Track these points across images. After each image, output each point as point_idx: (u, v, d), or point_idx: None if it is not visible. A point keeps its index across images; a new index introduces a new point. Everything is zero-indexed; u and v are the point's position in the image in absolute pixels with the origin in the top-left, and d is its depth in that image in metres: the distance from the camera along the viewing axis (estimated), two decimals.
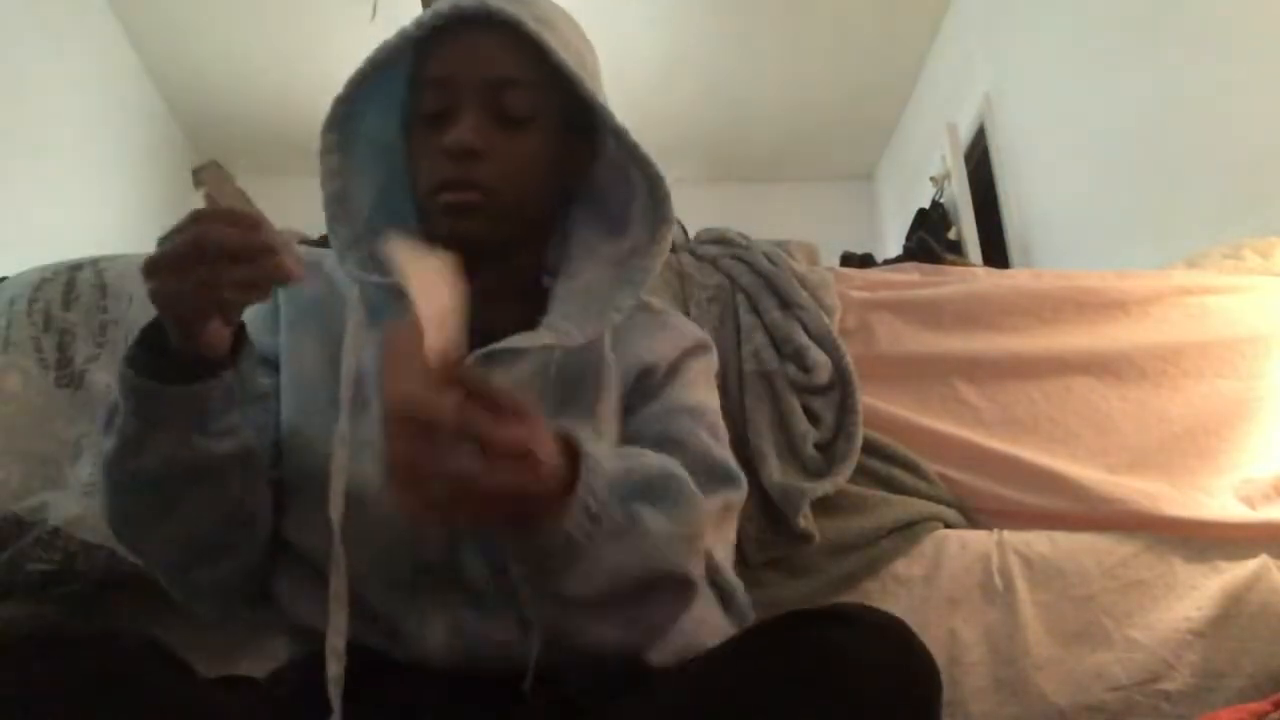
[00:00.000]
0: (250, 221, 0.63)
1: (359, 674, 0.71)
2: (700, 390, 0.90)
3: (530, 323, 0.84)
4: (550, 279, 0.92)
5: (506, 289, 0.87)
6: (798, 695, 0.60)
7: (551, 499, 0.61)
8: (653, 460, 0.74)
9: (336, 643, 0.71)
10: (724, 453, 0.86)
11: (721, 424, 0.90)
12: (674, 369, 0.89)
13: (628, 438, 0.85)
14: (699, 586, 0.72)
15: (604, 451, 0.68)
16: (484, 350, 0.79)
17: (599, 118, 0.88)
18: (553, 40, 0.84)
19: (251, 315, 0.87)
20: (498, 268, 0.86)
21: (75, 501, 1.12)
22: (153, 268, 0.63)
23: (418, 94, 0.87)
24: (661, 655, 0.74)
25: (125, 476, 0.72)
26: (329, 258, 0.92)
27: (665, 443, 0.82)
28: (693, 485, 0.74)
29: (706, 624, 0.77)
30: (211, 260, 0.62)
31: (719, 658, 0.67)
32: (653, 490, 0.70)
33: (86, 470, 1.16)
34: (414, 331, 0.55)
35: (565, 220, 0.94)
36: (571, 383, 0.84)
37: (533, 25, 0.83)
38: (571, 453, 0.63)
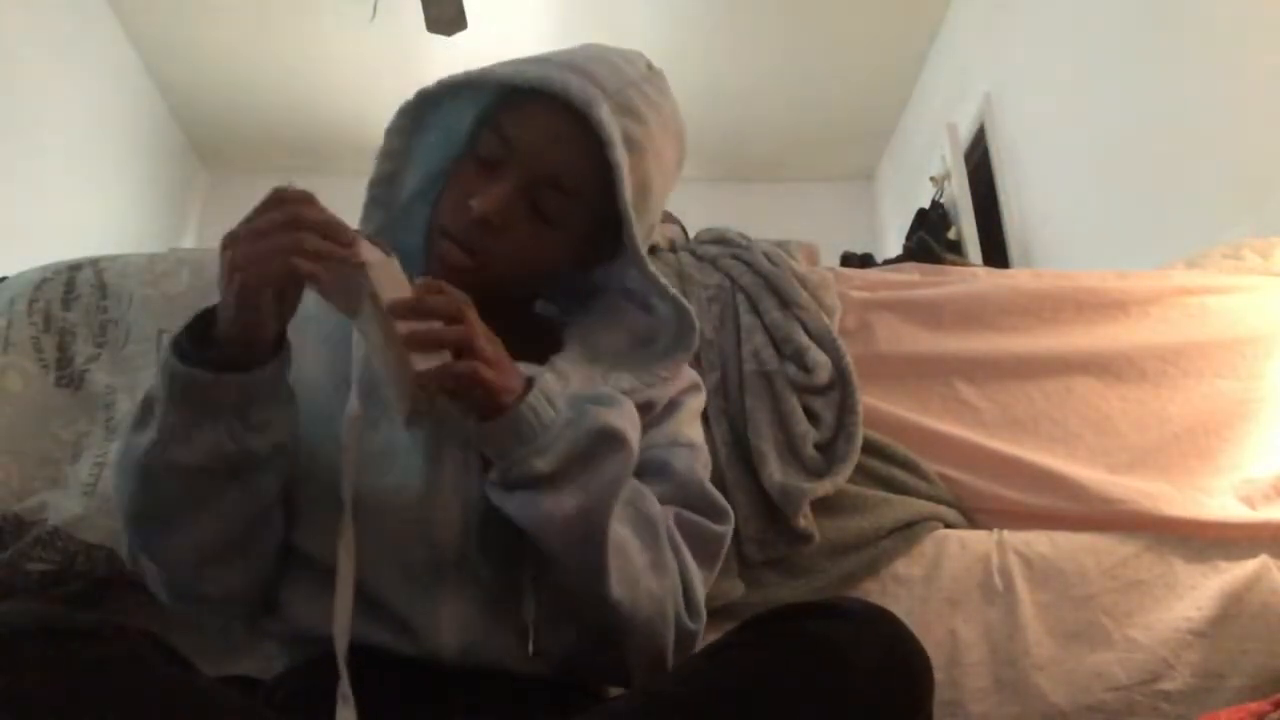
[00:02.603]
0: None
1: (365, 671, 0.72)
2: (695, 428, 0.94)
3: (530, 355, 0.85)
4: (550, 308, 0.96)
5: (501, 313, 0.86)
6: (791, 688, 0.61)
7: (518, 386, 0.73)
8: (600, 388, 0.81)
9: (344, 594, 0.74)
10: (717, 492, 0.89)
11: (709, 461, 0.93)
12: (673, 404, 0.92)
13: None
14: (633, 445, 0.76)
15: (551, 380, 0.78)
16: None
17: (635, 260, 0.88)
18: (627, 174, 0.82)
19: None
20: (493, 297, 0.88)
21: (75, 501, 1.12)
22: (237, 235, 0.68)
23: (484, 130, 0.87)
24: (617, 527, 0.75)
25: (162, 470, 0.72)
26: None
27: (666, 470, 0.86)
28: (630, 405, 0.79)
29: (634, 549, 0.78)
30: (295, 228, 0.67)
31: (712, 651, 0.69)
32: (599, 398, 0.77)
33: (86, 470, 1.16)
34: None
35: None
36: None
37: (617, 153, 0.82)
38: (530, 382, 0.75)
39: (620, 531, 0.76)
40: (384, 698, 0.73)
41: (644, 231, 0.87)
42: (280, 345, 0.73)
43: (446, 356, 0.69)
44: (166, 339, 0.75)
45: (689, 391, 0.95)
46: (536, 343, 0.89)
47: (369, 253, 0.69)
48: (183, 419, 0.71)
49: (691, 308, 0.92)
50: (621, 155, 0.82)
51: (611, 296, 0.95)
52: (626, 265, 0.92)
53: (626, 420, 0.76)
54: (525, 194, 0.83)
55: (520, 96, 0.85)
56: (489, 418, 0.72)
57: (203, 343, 0.71)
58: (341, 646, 0.71)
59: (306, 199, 0.69)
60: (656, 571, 0.77)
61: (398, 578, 0.78)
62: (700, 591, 0.83)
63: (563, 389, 0.82)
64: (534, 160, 0.84)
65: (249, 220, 0.68)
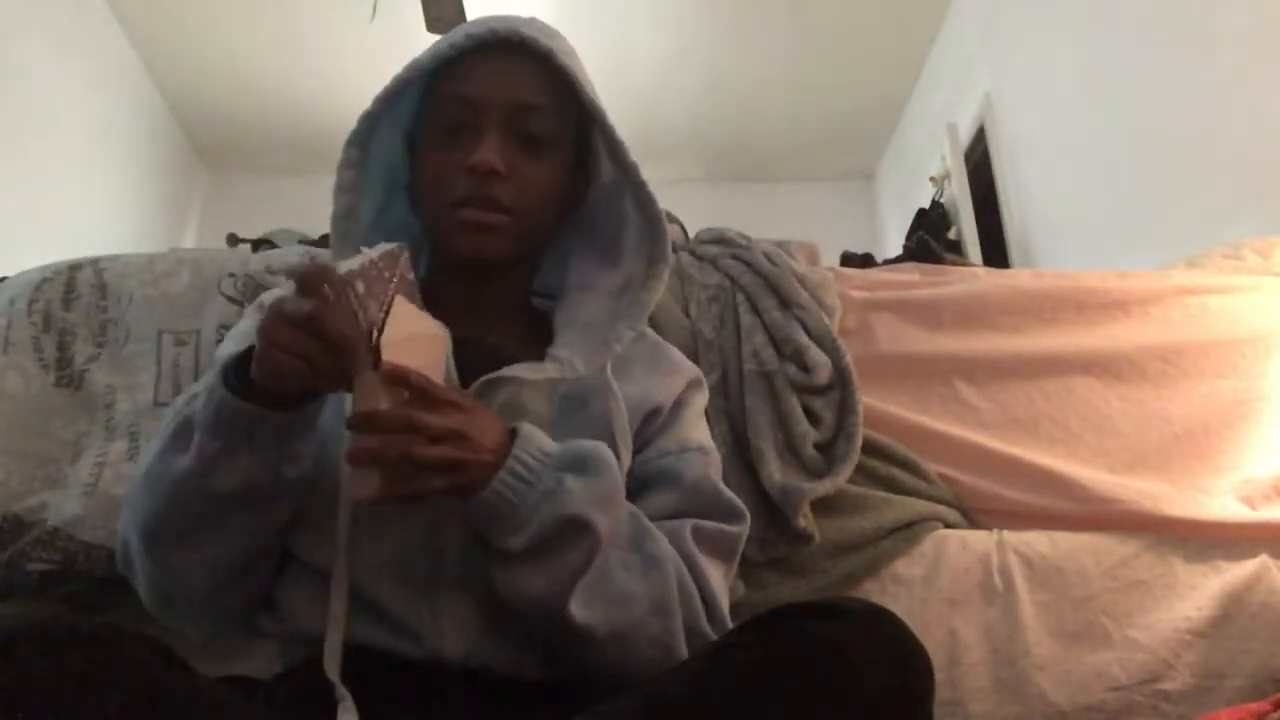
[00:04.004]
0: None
1: (366, 673, 0.73)
2: (702, 428, 0.96)
3: (534, 346, 0.90)
4: (546, 302, 0.99)
5: (506, 305, 0.93)
6: (791, 688, 0.61)
7: (490, 470, 0.73)
8: (582, 442, 0.80)
9: (340, 601, 0.76)
10: (730, 492, 0.91)
11: (719, 461, 0.95)
12: (678, 405, 0.94)
13: (639, 470, 0.89)
14: (604, 540, 0.76)
15: (541, 435, 0.78)
16: (488, 377, 0.84)
17: (612, 148, 0.94)
18: (579, 74, 0.90)
19: (245, 333, 0.92)
20: (496, 285, 0.93)
21: (75, 501, 1.12)
22: (277, 307, 0.71)
23: (438, 107, 0.91)
24: (591, 612, 0.76)
25: (195, 495, 0.75)
26: None
27: (680, 480, 0.88)
28: (612, 459, 0.80)
29: (633, 594, 0.78)
30: (310, 334, 0.69)
31: (713, 651, 0.69)
32: (581, 463, 0.77)
33: (86, 470, 1.16)
34: (376, 352, 0.70)
35: (557, 244, 1.01)
36: (579, 409, 0.88)
37: (562, 59, 0.89)
38: (513, 435, 0.76)
39: (624, 581, 0.77)
40: (385, 698, 0.73)
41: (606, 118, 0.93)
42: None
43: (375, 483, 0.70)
44: (207, 369, 0.79)
45: (692, 389, 0.97)
46: (535, 331, 0.94)
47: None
48: (224, 448, 0.74)
49: (661, 211, 0.95)
50: (566, 59, 0.89)
51: (580, 262, 0.99)
52: (597, 174, 0.99)
53: (600, 492, 0.77)
54: (510, 132, 0.88)
55: (468, 62, 0.89)
56: (465, 496, 0.74)
57: (245, 374, 0.74)
58: (333, 670, 0.73)
59: (332, 295, 0.69)
60: (661, 613, 0.78)
61: (401, 585, 0.79)
62: (723, 601, 0.84)
63: (558, 385, 0.87)
64: (499, 99, 0.88)
65: (284, 301, 0.70)
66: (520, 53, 0.89)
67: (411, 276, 0.77)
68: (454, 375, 0.83)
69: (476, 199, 0.87)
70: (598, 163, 0.99)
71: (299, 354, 0.69)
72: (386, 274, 0.73)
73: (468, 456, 0.72)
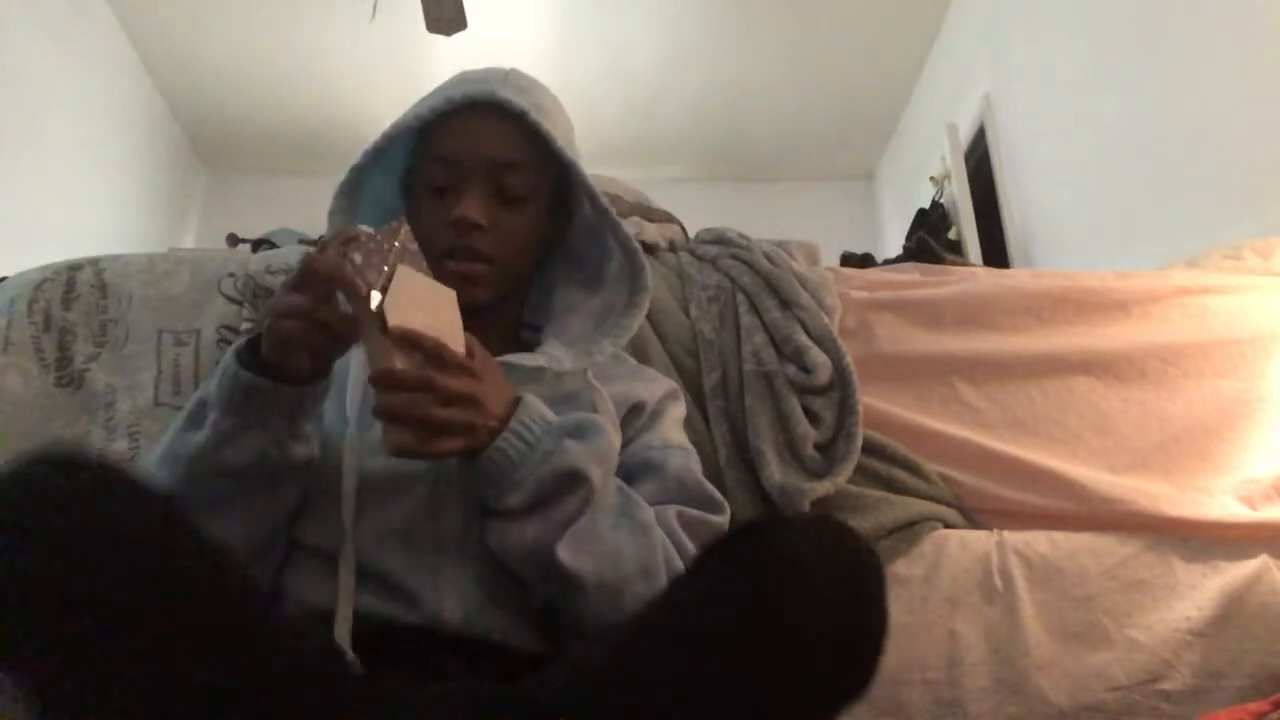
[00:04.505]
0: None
1: (375, 639, 0.78)
2: (682, 435, 1.02)
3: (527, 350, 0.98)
4: (533, 333, 1.06)
5: (496, 335, 0.98)
6: (739, 597, 0.63)
7: (495, 432, 0.79)
8: (579, 414, 0.87)
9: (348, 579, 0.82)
10: (712, 486, 0.97)
11: (699, 463, 1.00)
12: (660, 407, 1.01)
13: (625, 462, 0.94)
14: (597, 490, 0.81)
15: (542, 404, 0.84)
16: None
17: (586, 192, 1.02)
18: (551, 129, 0.97)
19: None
20: (486, 317, 0.98)
21: None
22: (287, 285, 0.79)
23: (425, 167, 0.99)
24: (579, 560, 0.80)
25: (209, 469, 0.81)
26: None
27: (664, 471, 0.93)
28: (608, 427, 0.86)
29: (622, 552, 0.82)
30: (313, 299, 0.77)
31: (684, 579, 0.72)
32: (579, 429, 0.84)
33: None
34: (380, 316, 0.74)
35: (543, 275, 1.09)
36: (567, 403, 0.93)
37: (535, 116, 0.96)
38: (518, 401, 0.82)
39: (613, 538, 0.82)
40: (394, 661, 0.78)
41: (581, 171, 1.01)
42: (325, 369, 0.83)
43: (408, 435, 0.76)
44: (223, 352, 0.85)
45: (669, 399, 1.03)
46: (527, 347, 1.01)
47: (371, 298, 0.75)
48: (237, 423, 0.80)
49: (631, 236, 1.04)
50: (539, 116, 0.97)
51: (564, 289, 1.07)
52: (578, 210, 1.07)
53: (597, 451, 0.83)
54: (490, 188, 0.97)
55: (448, 124, 0.98)
56: (468, 456, 0.80)
57: (257, 353, 0.80)
58: (344, 637, 0.79)
59: (338, 261, 0.76)
60: (645, 575, 0.81)
61: (402, 551, 0.84)
62: None
63: (555, 380, 0.95)
64: (479, 158, 0.97)
65: (289, 283, 0.79)
66: (496, 113, 0.97)
67: (415, 247, 0.80)
68: (470, 336, 0.87)
69: (460, 250, 0.95)
70: (579, 197, 1.06)
71: (297, 311, 0.76)
72: (385, 246, 0.77)
73: (478, 421, 0.78)
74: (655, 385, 1.03)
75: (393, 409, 0.75)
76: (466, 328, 0.82)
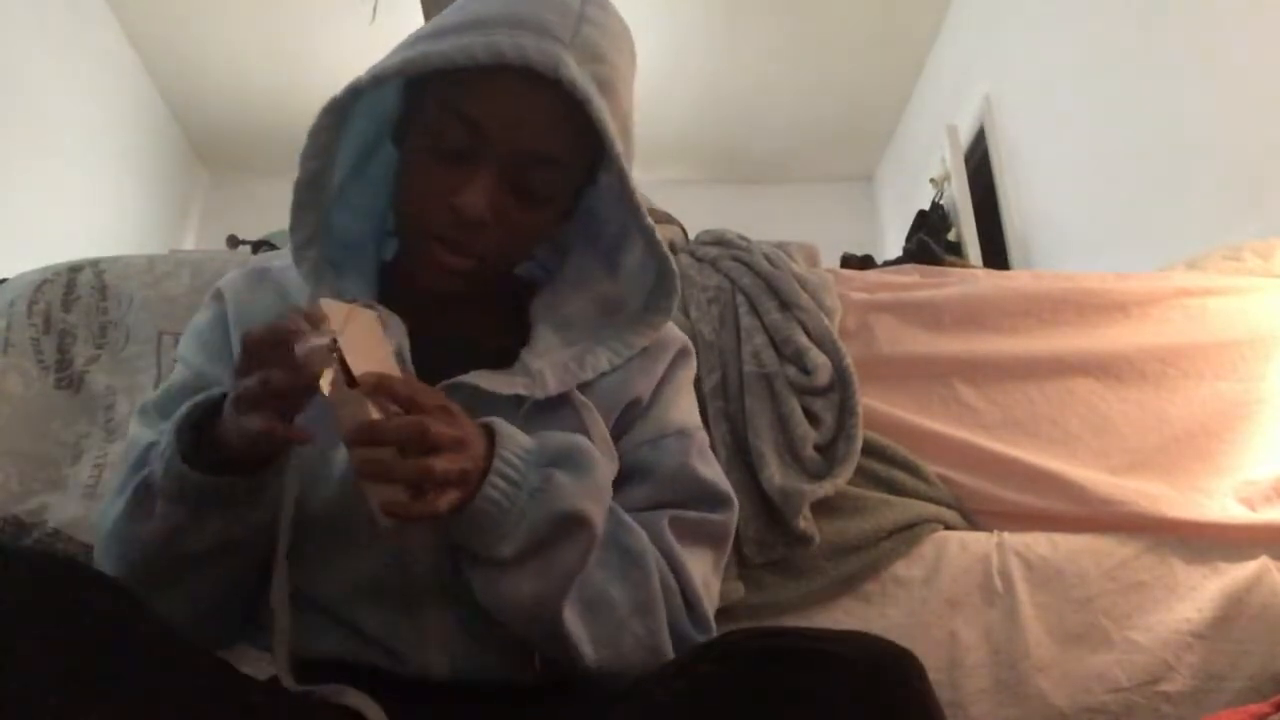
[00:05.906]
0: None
1: (359, 687, 0.71)
2: (683, 408, 0.90)
3: (505, 335, 0.84)
4: (532, 270, 0.93)
5: (486, 290, 0.86)
6: None
7: (484, 475, 0.68)
8: (560, 436, 0.75)
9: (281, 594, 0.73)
10: (714, 474, 0.86)
11: (706, 439, 0.89)
12: (659, 389, 0.88)
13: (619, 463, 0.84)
14: (599, 532, 0.73)
15: (517, 431, 0.73)
16: (448, 383, 0.78)
17: (625, 192, 0.83)
18: (611, 119, 0.77)
19: (198, 341, 0.87)
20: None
21: (75, 503, 1.12)
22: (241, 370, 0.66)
23: (442, 117, 0.78)
24: (584, 623, 0.73)
25: (167, 558, 0.73)
26: (276, 260, 0.92)
27: (652, 472, 0.83)
28: (594, 450, 0.75)
29: (613, 598, 0.75)
30: (266, 392, 0.64)
31: (687, 690, 0.62)
32: (565, 457, 0.73)
33: (86, 472, 1.16)
34: (344, 369, 0.64)
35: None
36: (546, 419, 0.81)
37: (597, 104, 0.76)
38: (489, 433, 0.71)
39: (598, 578, 0.74)
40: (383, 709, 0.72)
41: (630, 164, 0.82)
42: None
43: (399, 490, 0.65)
44: (165, 430, 0.72)
45: (677, 363, 0.90)
46: (513, 320, 0.87)
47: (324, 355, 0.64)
48: (191, 513, 0.70)
49: (671, 256, 0.85)
50: (601, 106, 0.76)
51: (579, 257, 0.91)
52: (604, 200, 0.89)
53: (593, 485, 0.73)
54: (506, 178, 0.78)
55: (484, 80, 0.76)
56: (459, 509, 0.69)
57: (202, 432, 0.70)
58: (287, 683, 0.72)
59: (279, 347, 0.64)
60: (643, 613, 0.75)
61: (376, 606, 0.77)
62: (706, 596, 0.80)
63: (534, 395, 0.80)
64: (509, 142, 0.77)
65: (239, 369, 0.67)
66: (553, 92, 0.75)
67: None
68: (409, 364, 0.78)
69: (451, 241, 0.79)
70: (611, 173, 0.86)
71: (252, 395, 0.64)
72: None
73: (469, 466, 0.67)
74: (656, 365, 0.88)
75: (383, 467, 0.63)
76: (437, 304, 0.73)
